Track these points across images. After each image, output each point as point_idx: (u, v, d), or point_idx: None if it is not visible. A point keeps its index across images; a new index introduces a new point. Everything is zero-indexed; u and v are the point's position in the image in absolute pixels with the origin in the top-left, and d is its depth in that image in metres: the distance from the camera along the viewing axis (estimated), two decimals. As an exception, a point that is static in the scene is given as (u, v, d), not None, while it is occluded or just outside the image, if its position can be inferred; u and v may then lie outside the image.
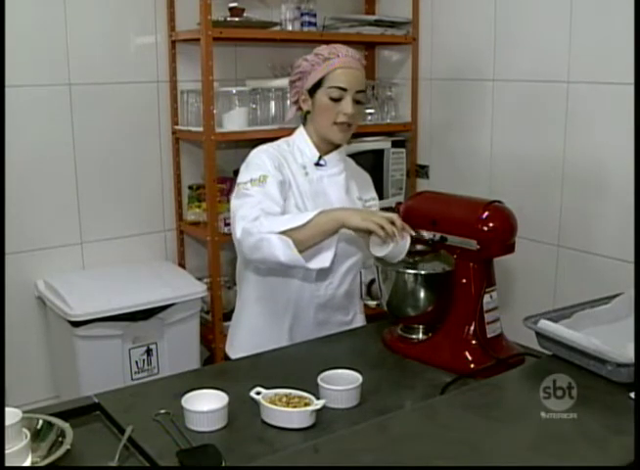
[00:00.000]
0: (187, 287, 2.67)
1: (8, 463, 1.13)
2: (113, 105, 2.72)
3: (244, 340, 1.96)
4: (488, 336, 1.64)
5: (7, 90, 2.44)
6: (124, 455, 1.25)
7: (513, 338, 1.72)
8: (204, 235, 2.75)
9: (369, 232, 1.63)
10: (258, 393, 1.40)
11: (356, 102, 1.82)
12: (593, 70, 2.39)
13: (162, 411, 1.38)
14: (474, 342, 1.63)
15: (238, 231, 1.70)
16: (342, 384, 1.44)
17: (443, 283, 1.69)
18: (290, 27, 2.82)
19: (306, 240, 1.66)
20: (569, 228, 2.54)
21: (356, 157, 2.19)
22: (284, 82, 2.32)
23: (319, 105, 1.83)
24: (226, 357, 2.00)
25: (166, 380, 1.69)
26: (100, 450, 1.26)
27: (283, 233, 1.64)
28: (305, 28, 2.85)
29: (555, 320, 1.56)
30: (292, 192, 1.82)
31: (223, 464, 1.21)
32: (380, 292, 1.80)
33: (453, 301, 1.66)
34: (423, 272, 1.70)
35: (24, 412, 1.21)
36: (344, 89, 1.80)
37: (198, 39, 2.59)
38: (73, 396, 1.89)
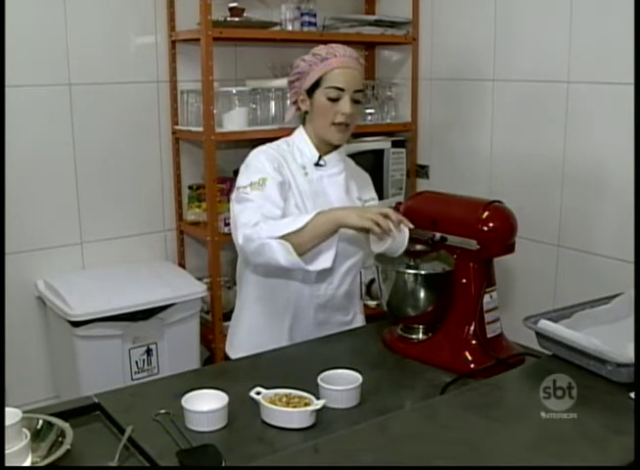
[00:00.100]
0: (187, 287, 2.66)
1: (8, 463, 1.13)
2: (113, 105, 2.72)
3: (243, 340, 1.96)
4: (488, 336, 1.64)
5: (7, 90, 2.44)
6: (124, 455, 1.25)
7: (513, 338, 1.72)
8: (204, 235, 2.75)
9: (367, 230, 1.64)
10: (258, 393, 1.40)
11: (354, 101, 1.82)
12: (593, 69, 2.39)
13: (162, 411, 1.38)
14: (474, 342, 1.63)
15: (240, 238, 1.71)
16: (342, 384, 1.44)
17: (443, 283, 1.69)
18: (290, 27, 2.82)
19: (306, 243, 1.66)
20: (569, 228, 2.54)
21: (356, 157, 2.19)
22: (284, 82, 2.32)
23: (317, 105, 1.83)
24: (226, 357, 2.00)
25: (166, 380, 1.69)
26: (100, 450, 1.26)
27: (283, 237, 1.65)
28: (305, 28, 2.85)
29: (555, 320, 1.56)
30: (291, 192, 1.82)
31: (223, 464, 1.21)
32: (380, 292, 1.80)
33: (453, 301, 1.66)
34: (423, 272, 1.70)
35: (24, 412, 1.21)
36: (342, 89, 1.79)
37: (198, 39, 2.58)
38: (73, 396, 1.89)
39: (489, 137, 2.79)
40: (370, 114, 3.02)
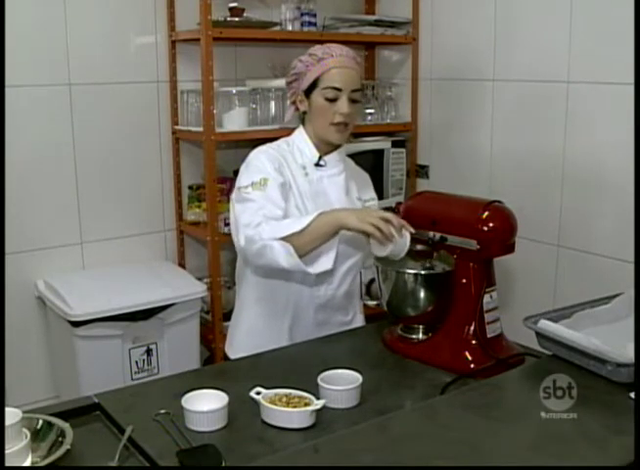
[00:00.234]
0: (187, 287, 2.66)
1: (8, 463, 1.13)
2: (113, 105, 2.72)
3: (243, 340, 1.96)
4: (488, 336, 1.64)
5: (7, 90, 2.44)
6: (124, 455, 1.25)
7: (513, 338, 1.72)
8: (204, 235, 2.75)
9: (367, 234, 1.63)
10: (258, 393, 1.40)
11: (353, 101, 1.81)
12: (593, 69, 2.39)
13: (162, 411, 1.38)
14: (474, 342, 1.63)
15: (241, 239, 1.71)
16: (342, 384, 1.44)
17: (443, 283, 1.69)
18: (290, 27, 2.82)
19: (306, 244, 1.66)
20: (569, 228, 2.54)
21: (356, 157, 2.19)
22: (284, 82, 2.32)
23: (315, 106, 1.83)
24: (225, 358, 2.00)
25: (166, 380, 1.69)
26: (100, 450, 1.26)
27: (284, 239, 1.64)
28: (305, 28, 2.84)
29: (555, 320, 1.56)
30: (292, 193, 1.82)
31: (223, 464, 1.21)
32: (380, 292, 1.80)
33: (453, 301, 1.66)
34: (423, 272, 1.70)
35: (24, 412, 1.21)
36: (339, 89, 1.79)
37: (198, 39, 2.59)
38: (73, 396, 1.89)
39: (489, 137, 2.79)
40: (370, 114, 3.03)
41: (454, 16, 2.89)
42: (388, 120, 3.08)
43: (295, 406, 1.36)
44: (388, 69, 3.23)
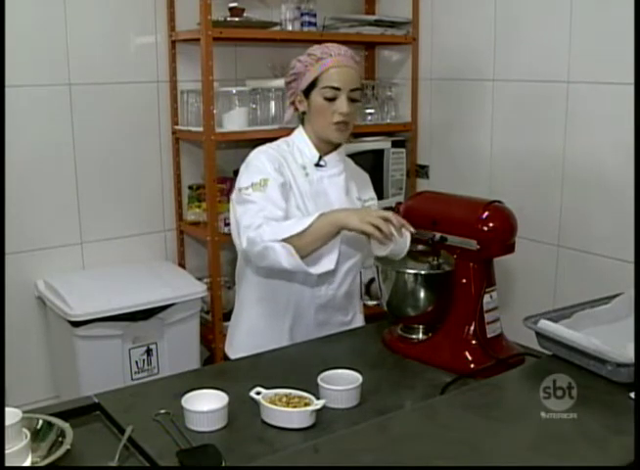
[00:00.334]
0: (187, 287, 2.66)
1: (8, 463, 1.13)
2: (113, 105, 2.72)
3: (243, 340, 1.96)
4: (488, 336, 1.64)
5: (7, 90, 2.44)
6: (124, 455, 1.25)
7: (513, 338, 1.72)
8: (204, 235, 2.75)
9: (368, 234, 1.63)
10: (258, 393, 1.40)
11: (352, 100, 1.81)
12: (593, 69, 2.39)
13: (162, 411, 1.38)
14: (474, 342, 1.63)
15: (243, 241, 1.70)
16: (342, 384, 1.44)
17: (443, 283, 1.69)
18: (290, 27, 2.82)
19: (307, 245, 1.66)
20: (569, 228, 2.54)
21: (356, 157, 2.19)
22: (283, 82, 2.32)
23: (314, 105, 1.83)
24: (226, 358, 2.00)
25: (166, 380, 1.69)
26: (100, 450, 1.26)
27: (285, 240, 1.64)
28: (305, 28, 2.84)
29: (555, 320, 1.56)
30: (292, 193, 1.82)
31: (223, 464, 1.21)
32: (380, 292, 1.80)
33: (453, 301, 1.66)
34: (423, 272, 1.70)
35: (24, 412, 1.21)
36: (338, 88, 1.79)
37: (198, 39, 2.59)
38: (73, 396, 1.89)
39: (489, 137, 2.79)
40: (370, 114, 3.02)
41: (454, 16, 2.89)
42: (388, 120, 3.08)
43: (295, 406, 1.36)
44: (388, 69, 3.23)
